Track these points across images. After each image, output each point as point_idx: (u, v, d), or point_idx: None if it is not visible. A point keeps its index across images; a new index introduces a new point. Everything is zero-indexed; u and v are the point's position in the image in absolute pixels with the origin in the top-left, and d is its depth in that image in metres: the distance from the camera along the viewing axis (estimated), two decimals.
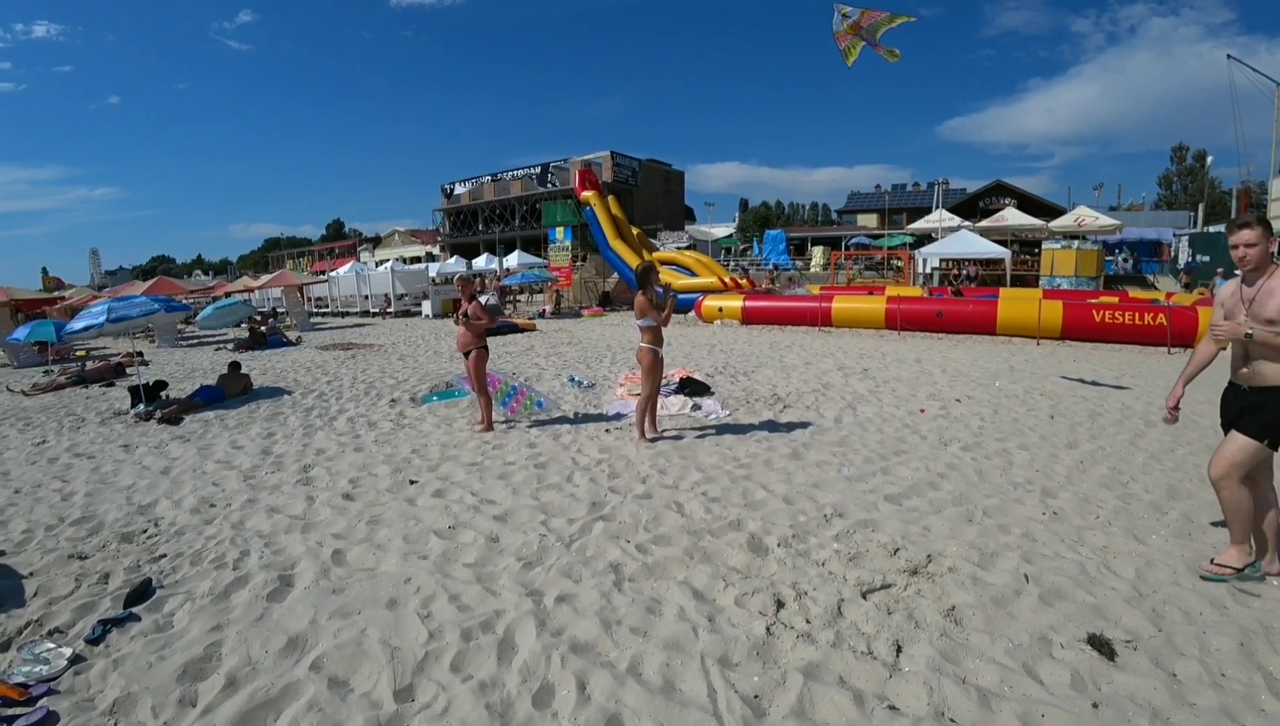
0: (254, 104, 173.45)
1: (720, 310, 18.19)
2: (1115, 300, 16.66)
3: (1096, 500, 4.65)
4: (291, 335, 19.32)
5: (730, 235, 52.27)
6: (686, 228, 52.27)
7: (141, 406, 8.58)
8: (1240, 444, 3.33)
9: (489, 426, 6.87)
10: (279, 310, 26.95)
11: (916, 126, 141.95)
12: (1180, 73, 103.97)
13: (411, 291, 29.32)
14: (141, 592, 3.59)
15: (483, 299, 20.60)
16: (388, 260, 53.86)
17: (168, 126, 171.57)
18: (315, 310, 31.47)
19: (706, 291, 20.24)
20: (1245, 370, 3.35)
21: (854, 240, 46.18)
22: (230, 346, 17.24)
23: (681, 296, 17.50)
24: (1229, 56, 29.21)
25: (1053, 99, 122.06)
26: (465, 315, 6.81)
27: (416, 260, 61.88)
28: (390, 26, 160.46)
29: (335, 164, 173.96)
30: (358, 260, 52.41)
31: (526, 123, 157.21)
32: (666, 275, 21.95)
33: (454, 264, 44.50)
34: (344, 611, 3.35)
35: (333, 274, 35.08)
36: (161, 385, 9.61)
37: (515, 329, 17.88)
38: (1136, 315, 13.48)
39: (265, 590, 3.58)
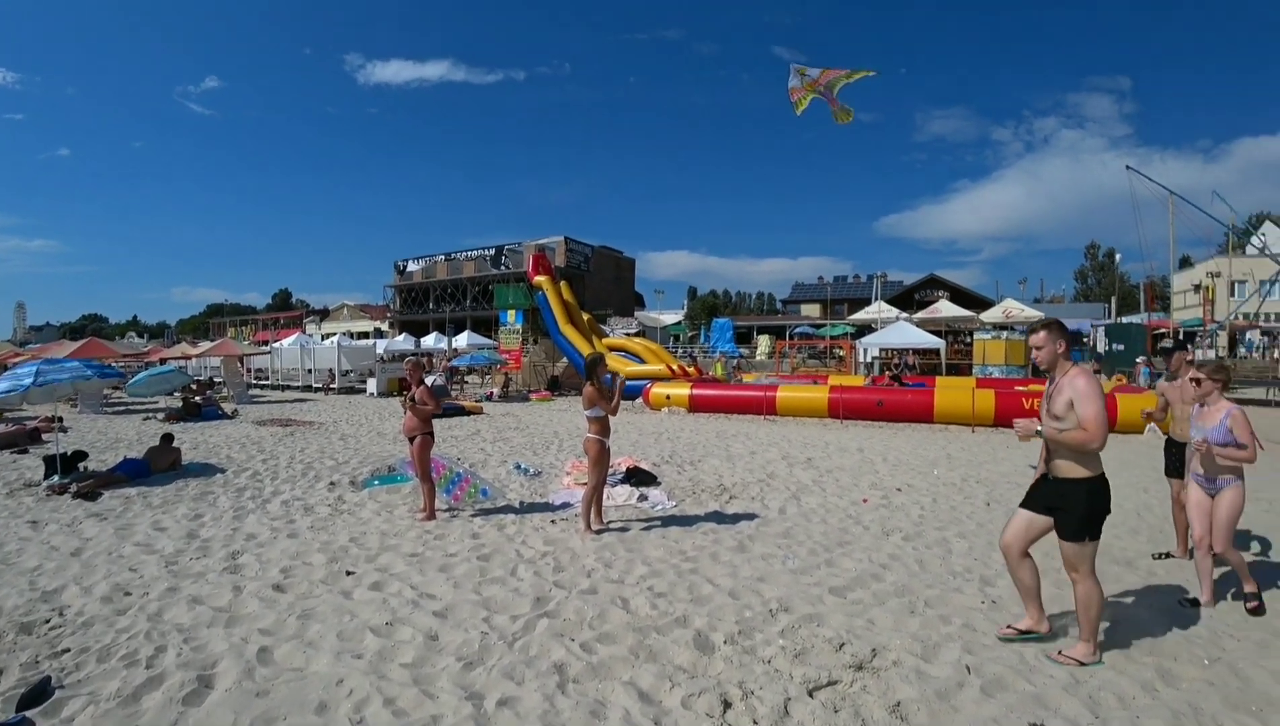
0: (210, 167, 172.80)
1: (668, 398, 18.38)
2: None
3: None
4: (228, 407, 18.66)
5: (679, 322, 53.53)
6: (636, 314, 53.30)
7: (56, 478, 8.10)
8: (1071, 549, 3.55)
9: (431, 514, 6.70)
10: (216, 380, 26.05)
11: (857, 221, 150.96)
12: (1089, 178, 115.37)
13: (357, 368, 28.85)
14: (38, 694, 3.27)
15: (430, 379, 20.39)
16: (335, 334, 53.03)
17: (117, 183, 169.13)
18: (255, 382, 30.54)
19: (654, 378, 20.50)
20: (1050, 462, 3.63)
21: (798, 329, 47.79)
22: (160, 416, 16.52)
23: (629, 383, 17.70)
24: (1128, 167, 32.31)
25: (979, 199, 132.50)
26: (413, 399, 6.75)
27: (364, 335, 61.13)
28: (357, 103, 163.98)
29: (287, 233, 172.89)
30: (303, 332, 51.40)
31: (483, 204, 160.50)
32: (615, 362, 22.22)
33: (402, 341, 44.13)
34: (268, 717, 3.15)
35: (276, 345, 34.30)
36: (80, 455, 9.11)
37: (462, 412, 17.65)
38: None
39: (181, 692, 3.35)
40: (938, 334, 30.06)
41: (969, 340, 30.93)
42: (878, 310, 37.24)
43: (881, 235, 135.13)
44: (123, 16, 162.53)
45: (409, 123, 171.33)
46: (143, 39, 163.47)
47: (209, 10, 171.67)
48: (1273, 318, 39.12)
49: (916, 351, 29.28)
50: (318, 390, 27.02)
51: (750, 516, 6.91)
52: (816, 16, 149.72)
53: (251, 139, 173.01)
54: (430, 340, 42.85)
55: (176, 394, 19.70)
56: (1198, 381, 4.57)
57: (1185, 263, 52.96)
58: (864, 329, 37.13)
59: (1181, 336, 35.13)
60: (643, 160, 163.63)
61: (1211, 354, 33.72)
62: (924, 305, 40.13)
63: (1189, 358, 5.57)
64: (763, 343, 41.71)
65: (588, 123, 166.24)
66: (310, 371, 28.52)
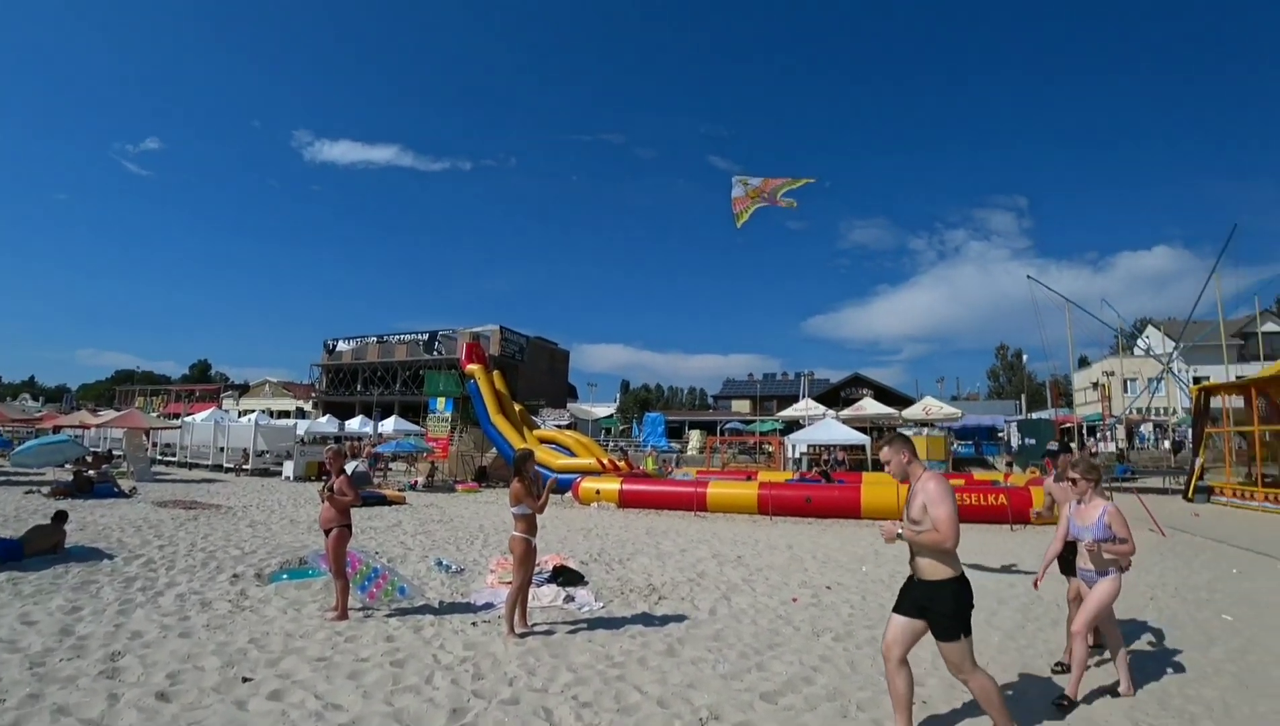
0: (138, 227, 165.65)
1: (598, 492, 18.14)
2: (962, 482, 18.25)
3: (958, 684, 4.78)
4: (125, 484, 17.35)
5: (611, 416, 53.60)
6: (569, 406, 53.29)
7: None
8: (949, 649, 3.64)
9: (343, 614, 6.28)
10: (116, 453, 24.27)
11: (785, 321, 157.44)
12: (997, 285, 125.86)
13: (274, 449, 27.50)
14: None
15: (352, 466, 19.56)
16: (254, 411, 50.75)
17: (31, 234, 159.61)
18: (161, 458, 28.67)
19: (585, 472, 20.29)
20: (914, 564, 3.77)
21: (728, 425, 48.51)
22: (46, 489, 15.19)
23: (560, 477, 17.52)
24: (1029, 277, 35.40)
25: (899, 302, 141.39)
26: (331, 489, 6.43)
27: (285, 415, 58.77)
28: (300, 180, 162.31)
29: (213, 302, 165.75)
30: (219, 407, 49.06)
31: (420, 288, 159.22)
32: (546, 454, 21.91)
33: (326, 423, 42.59)
34: None
35: (188, 419, 32.53)
36: None
37: (383, 501, 16.89)
38: (981, 496, 14.98)
39: None
40: (863, 430, 31.14)
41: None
42: (805, 407, 38.46)
43: (809, 334, 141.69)
44: (68, 66, 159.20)
45: (352, 202, 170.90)
46: (86, 92, 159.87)
47: (162, 72, 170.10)
48: (1162, 412, 42.48)
49: (844, 448, 30.08)
50: (229, 471, 25.53)
51: (679, 618, 6.74)
52: (749, 131, 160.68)
53: (187, 204, 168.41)
54: (355, 423, 41.54)
55: (68, 466, 18.20)
56: (1074, 481, 4.85)
57: (1084, 362, 57.82)
58: (792, 425, 38.25)
59: (1085, 430, 37.79)
60: (582, 254, 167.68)
61: (1112, 447, 36.09)
62: (849, 402, 41.72)
63: (1074, 459, 5.91)
64: (694, 437, 42.15)
65: (530, 215, 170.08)
66: (223, 450, 26.98)
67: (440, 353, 54.86)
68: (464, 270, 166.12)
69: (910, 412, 34.73)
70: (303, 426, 39.76)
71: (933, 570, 3.64)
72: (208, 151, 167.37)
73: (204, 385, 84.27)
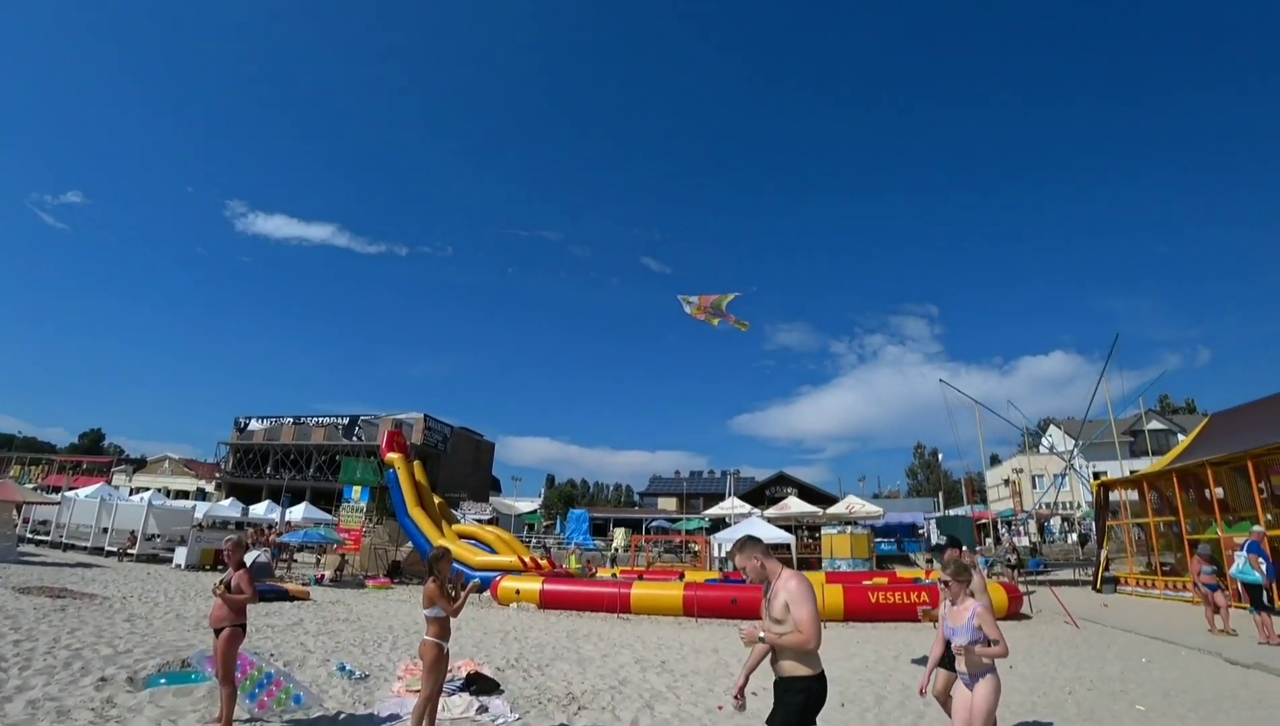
0: (45, 283, 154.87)
1: (518, 593, 17.38)
2: (885, 580, 18.62)
3: None
4: None
5: (534, 511, 52.26)
6: (491, 499, 51.88)
7: None
8: None
9: (227, 725, 5.64)
10: None
11: (712, 419, 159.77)
12: (912, 387, 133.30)
13: (167, 532, 25.46)
14: None
15: (253, 556, 18.17)
16: (149, 489, 47.19)
17: None
18: (31, 536, 25.98)
19: (505, 571, 19.55)
20: (775, 664, 3.73)
21: (654, 523, 48.04)
22: None
23: (481, 575, 16.81)
24: (941, 380, 37.42)
25: (821, 402, 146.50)
26: (226, 585, 5.89)
27: (185, 495, 54.93)
28: (229, 249, 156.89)
29: (116, 367, 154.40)
30: (109, 482, 45.35)
31: (343, 370, 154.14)
32: (465, 550, 21.01)
33: (228, 507, 39.99)
34: None
35: (69, 494, 29.84)
36: None
37: (285, 596, 15.64)
38: (904, 594, 15.37)
39: None
40: (788, 529, 31.37)
41: (818, 534, 32.66)
42: (731, 506, 38.81)
43: (735, 432, 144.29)
44: None
45: (281, 278, 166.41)
46: (6, 134, 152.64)
47: (95, 127, 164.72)
48: (1067, 505, 44.61)
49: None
50: (111, 554, 23.30)
51: None
52: (682, 235, 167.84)
53: (103, 262, 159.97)
54: (261, 509, 39.09)
55: None
56: (945, 583, 4.90)
57: (995, 460, 60.90)
58: (719, 524, 38.27)
59: (999, 524, 39.22)
60: (511, 346, 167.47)
61: (1025, 541, 37.42)
62: (775, 501, 42.21)
63: (959, 556, 5.99)
64: (619, 535, 41.50)
65: (462, 304, 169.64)
66: (107, 531, 24.69)
67: (360, 438, 52.90)
68: (391, 355, 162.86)
69: (834, 510, 35.31)
70: (202, 509, 37.10)
71: (792, 668, 3.59)
72: (135, 211, 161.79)
73: (94, 457, 77.84)
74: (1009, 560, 25.95)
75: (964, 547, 10.07)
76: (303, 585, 18.09)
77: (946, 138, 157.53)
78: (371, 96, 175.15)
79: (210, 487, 58.40)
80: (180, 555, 21.52)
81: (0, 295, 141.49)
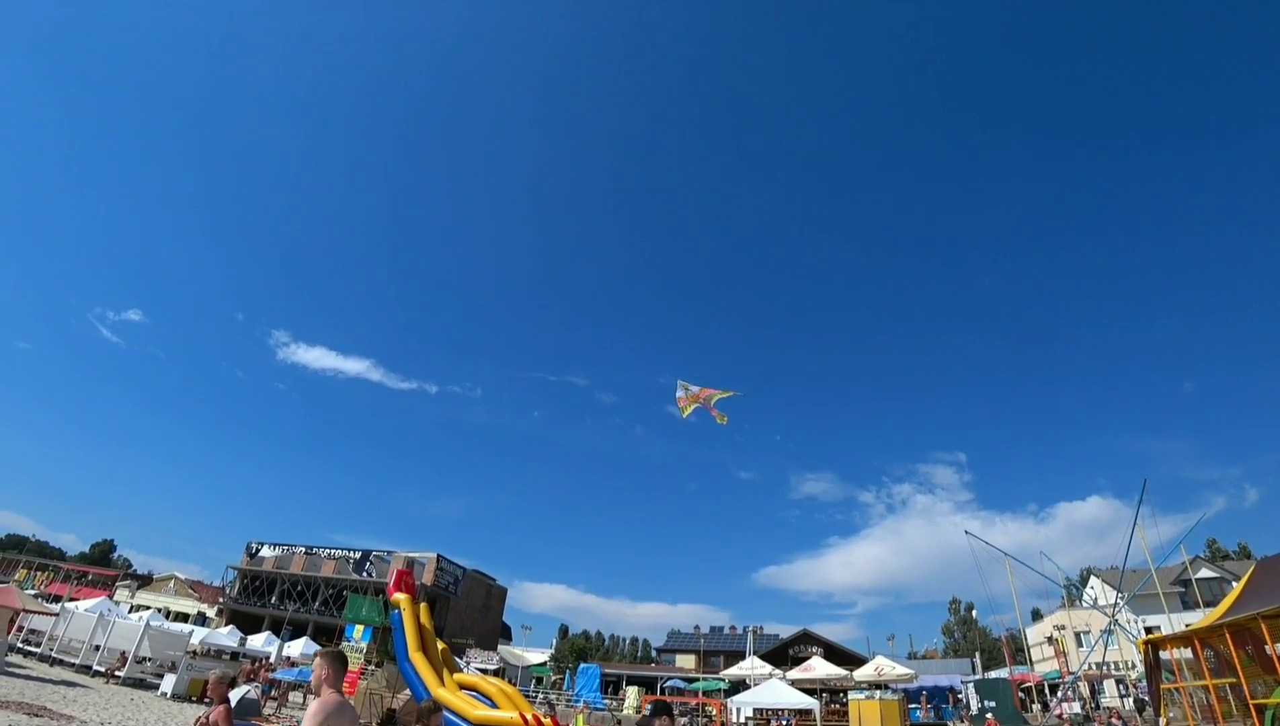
0: (88, 391, 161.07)
1: None
2: None
3: None
4: None
5: (544, 663, 49.28)
6: (500, 648, 49.37)
7: None
8: None
9: None
10: None
11: (736, 571, 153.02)
12: (943, 537, 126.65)
13: (160, 656, 24.52)
14: None
15: (241, 692, 17.26)
16: (149, 608, 46.14)
17: None
18: (23, 646, 25.21)
19: None
20: None
21: (669, 683, 44.85)
22: None
23: None
24: (967, 533, 35.25)
25: (850, 554, 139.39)
26: (206, 723, 5.63)
27: (184, 618, 53.52)
28: (268, 376, 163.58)
29: (137, 480, 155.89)
30: (110, 596, 44.51)
31: (361, 503, 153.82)
32: (462, 702, 19.64)
33: (226, 635, 38.66)
34: None
35: (70, 605, 29.22)
36: None
37: None
38: None
39: None
40: (811, 693, 29.03)
41: (844, 699, 30.25)
42: (751, 666, 36.45)
43: (760, 585, 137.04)
44: (71, 225, 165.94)
45: (312, 407, 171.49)
46: (80, 253, 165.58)
47: (158, 247, 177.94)
48: (1117, 666, 39.43)
49: (793, 711, 27.81)
50: (98, 675, 22.38)
51: None
52: (707, 383, 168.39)
53: (147, 379, 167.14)
54: (260, 640, 37.69)
55: None
56: None
57: (1036, 615, 55.26)
58: (738, 685, 36.08)
59: (1045, 689, 34.87)
60: (532, 489, 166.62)
61: (1076, 707, 32.85)
62: (798, 661, 39.59)
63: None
64: (631, 695, 38.48)
65: (486, 444, 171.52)
66: (99, 649, 23.88)
67: (370, 574, 51.61)
68: (412, 491, 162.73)
69: (862, 673, 32.73)
70: (199, 635, 35.84)
71: None
72: (186, 333, 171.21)
73: (101, 569, 76.68)
74: None
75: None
76: None
77: (972, 285, 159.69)
78: (414, 240, 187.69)
79: (212, 612, 56.65)
80: (168, 683, 20.55)
81: (46, 399, 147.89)
